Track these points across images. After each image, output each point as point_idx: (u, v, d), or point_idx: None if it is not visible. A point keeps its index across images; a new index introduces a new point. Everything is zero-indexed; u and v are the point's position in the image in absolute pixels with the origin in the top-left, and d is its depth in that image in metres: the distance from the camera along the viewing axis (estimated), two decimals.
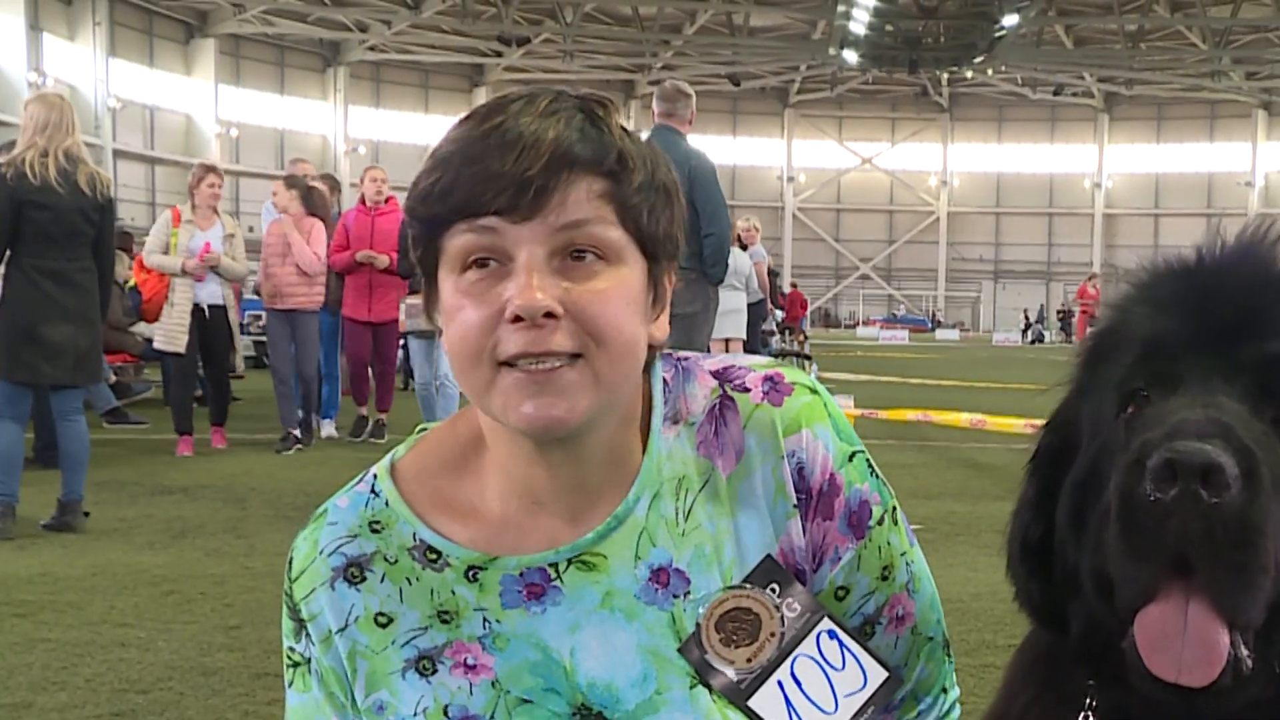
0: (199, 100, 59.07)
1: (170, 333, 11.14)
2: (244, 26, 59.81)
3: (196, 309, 11.10)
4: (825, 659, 1.55)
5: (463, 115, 1.48)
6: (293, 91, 65.67)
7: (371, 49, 65.06)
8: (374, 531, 1.57)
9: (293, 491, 8.95)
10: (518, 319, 1.39)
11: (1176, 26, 63.23)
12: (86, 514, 7.58)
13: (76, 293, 7.58)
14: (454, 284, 1.43)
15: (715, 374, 1.61)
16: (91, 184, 7.63)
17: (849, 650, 1.56)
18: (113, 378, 13.79)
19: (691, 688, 1.51)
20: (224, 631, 5.29)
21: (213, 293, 11.23)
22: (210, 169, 11.69)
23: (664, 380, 1.60)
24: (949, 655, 1.73)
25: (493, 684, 1.52)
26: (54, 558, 6.73)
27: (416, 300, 9.71)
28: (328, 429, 12.65)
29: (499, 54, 65.25)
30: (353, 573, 1.56)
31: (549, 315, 1.39)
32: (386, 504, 1.58)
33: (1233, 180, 78.24)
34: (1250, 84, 70.73)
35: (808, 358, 21.99)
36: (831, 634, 1.55)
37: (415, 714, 1.53)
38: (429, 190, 1.42)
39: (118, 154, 52.42)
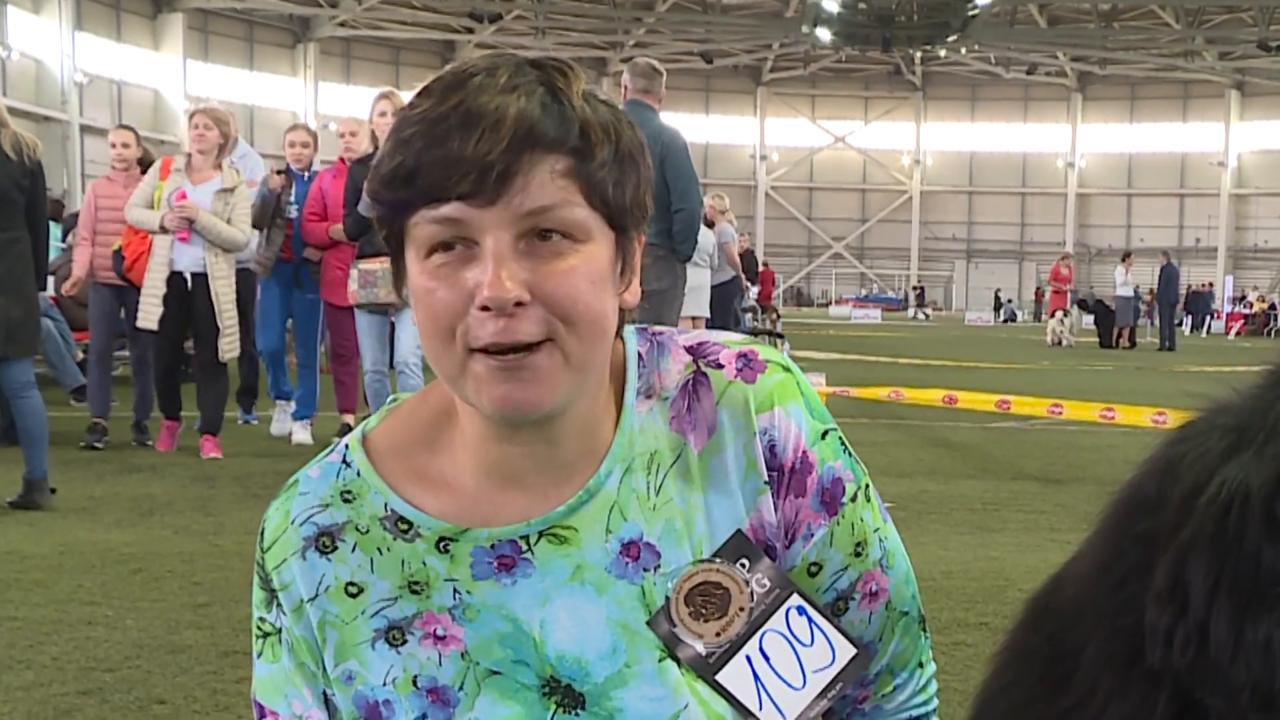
0: (167, 76, 58.60)
1: (144, 305, 9.47)
2: (212, 1, 59.42)
3: (174, 278, 9.42)
4: (794, 634, 1.55)
5: (424, 86, 1.44)
6: (262, 67, 65.28)
7: (342, 25, 64.73)
8: (345, 501, 1.56)
9: (261, 470, 8.92)
10: (487, 308, 1.37)
11: (1150, 6, 63.42)
12: (53, 491, 7.52)
13: (6, 263, 7.31)
14: (420, 266, 1.41)
15: (689, 349, 1.61)
16: (17, 148, 7.36)
17: (818, 626, 1.56)
18: (80, 355, 13.66)
19: (660, 661, 1.50)
20: (192, 609, 5.27)
21: (195, 258, 9.41)
22: (199, 110, 9.95)
23: (639, 354, 1.60)
24: (925, 631, 1.73)
25: (462, 655, 1.51)
26: (20, 536, 6.68)
27: (373, 266, 8.84)
28: (301, 434, 10.48)
29: (470, 30, 65.07)
30: (324, 542, 1.55)
31: (518, 304, 1.37)
32: (359, 474, 1.57)
33: (1205, 160, 78.59)
34: (1223, 64, 71.02)
35: (780, 336, 22.02)
36: (801, 610, 1.55)
37: (384, 684, 1.52)
38: (392, 174, 1.39)
39: (85, 129, 51.89)
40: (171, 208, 9.31)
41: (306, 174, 10.79)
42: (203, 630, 4.96)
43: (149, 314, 9.41)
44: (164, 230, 9.35)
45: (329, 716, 1.57)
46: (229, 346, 9.63)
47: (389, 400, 1.67)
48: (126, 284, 9.97)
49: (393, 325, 9.47)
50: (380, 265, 8.69)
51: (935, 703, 1.76)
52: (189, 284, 9.44)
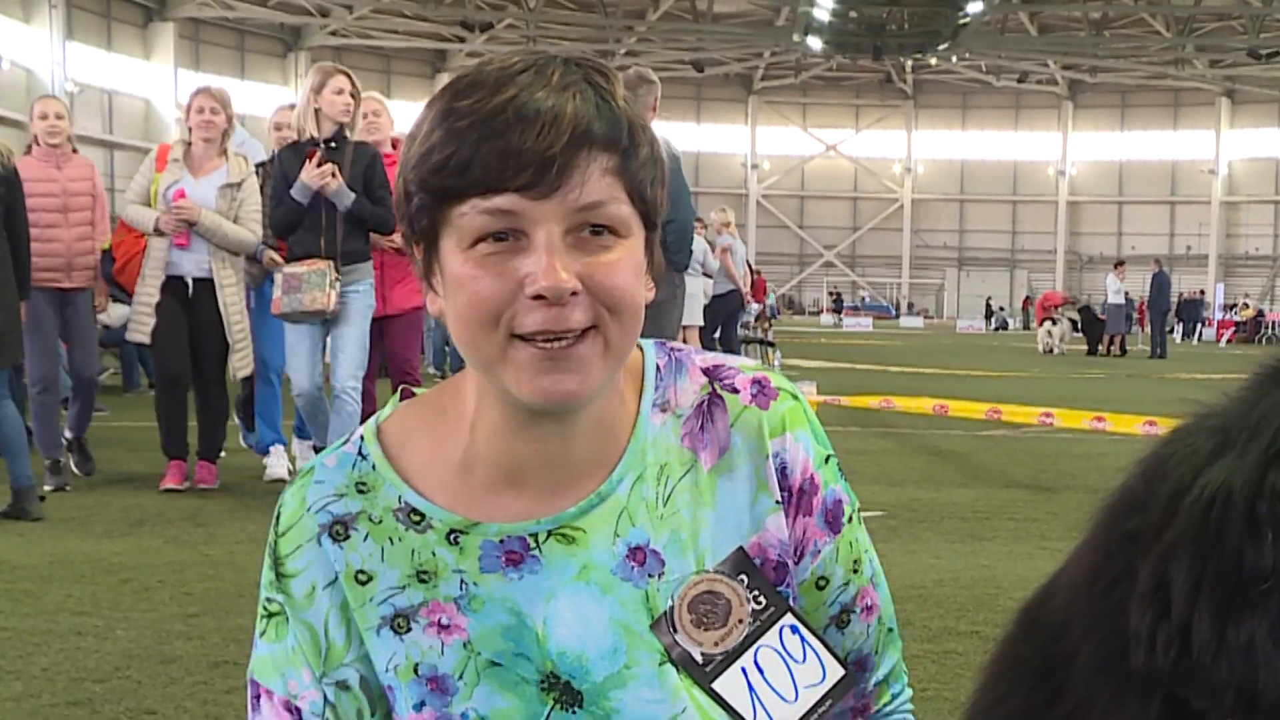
0: (158, 85, 58.44)
1: (136, 315, 8.45)
2: (203, 10, 59.34)
3: (172, 283, 8.35)
4: (787, 651, 1.60)
5: (465, 80, 1.47)
6: (253, 76, 65.13)
7: (333, 34, 64.65)
8: (360, 492, 1.59)
9: (253, 479, 8.89)
10: (539, 297, 1.41)
11: (1140, 14, 63.54)
12: (42, 498, 7.50)
13: None
14: (463, 256, 1.44)
15: (706, 371, 1.66)
16: None
17: (810, 646, 1.62)
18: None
19: (660, 665, 1.54)
20: (182, 620, 5.25)
21: (199, 262, 8.32)
22: (203, 90, 8.67)
23: (657, 367, 1.65)
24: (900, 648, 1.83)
25: (465, 645, 1.54)
26: (10, 546, 6.65)
27: (299, 270, 7.86)
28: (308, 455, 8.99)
29: (462, 39, 65.07)
30: (338, 530, 1.58)
31: (571, 294, 1.41)
32: (374, 467, 1.60)
33: (1196, 168, 78.79)
34: (1214, 72, 71.17)
35: (772, 344, 21.99)
36: (794, 629, 1.61)
37: (386, 670, 1.56)
38: (443, 164, 1.42)
39: (76, 139, 51.91)
40: (169, 207, 8.24)
41: None
42: (193, 641, 4.95)
43: (140, 325, 8.38)
44: (159, 232, 8.29)
45: (369, 697, 1.59)
46: (242, 363, 8.57)
47: (398, 394, 1.70)
48: (73, 289, 8.61)
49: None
50: (306, 269, 7.84)
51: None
52: (190, 289, 8.39)
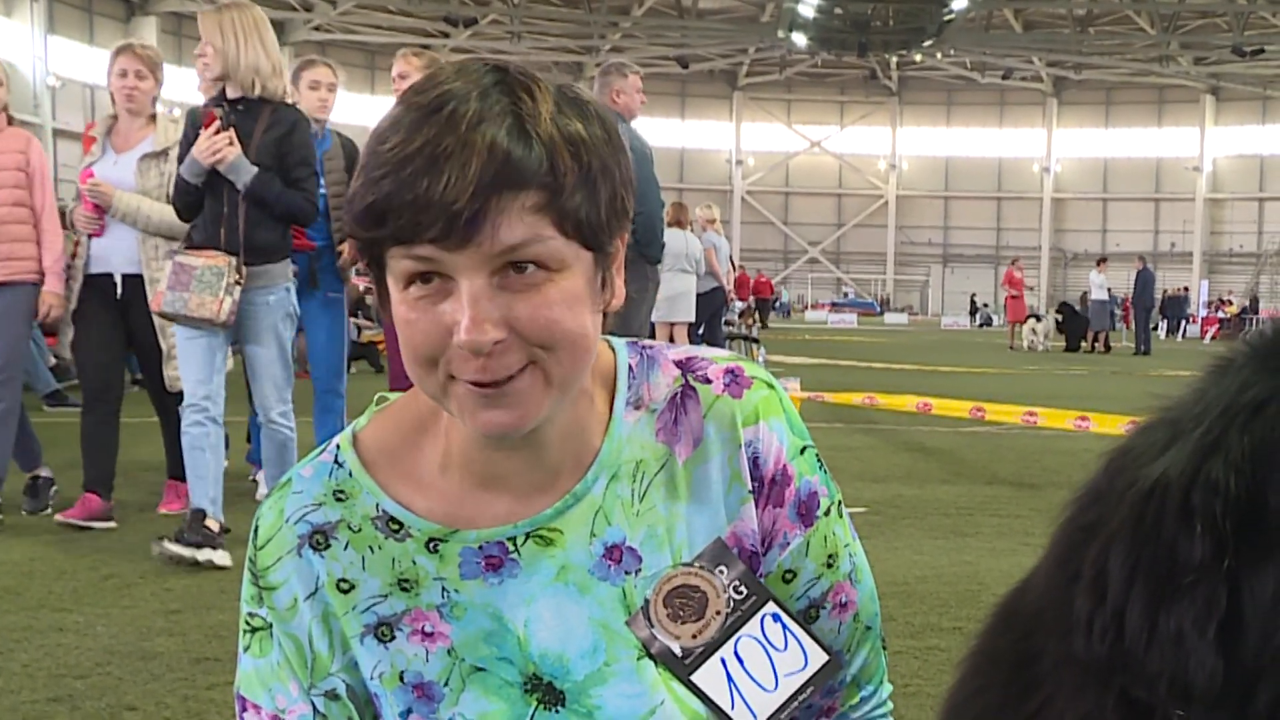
0: None
1: (64, 326, 7.36)
2: (186, 5, 59.04)
3: (97, 282, 7.06)
4: (768, 640, 1.60)
5: (396, 109, 1.42)
6: None
7: (317, 29, 64.46)
8: (338, 500, 1.59)
9: (235, 475, 8.85)
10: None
11: (1125, 11, 63.70)
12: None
13: None
14: (400, 296, 1.43)
15: (679, 364, 1.66)
16: None
17: (791, 633, 1.61)
18: (53, 360, 13.63)
19: (639, 660, 1.55)
20: (164, 616, 5.24)
21: (128, 255, 7.00)
22: (126, 49, 7.29)
23: (629, 366, 1.64)
24: (885, 648, 1.81)
25: (448, 651, 1.55)
26: None
27: (194, 261, 6.16)
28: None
29: (446, 35, 64.97)
30: (318, 539, 1.58)
31: (496, 342, 1.39)
32: (350, 475, 1.60)
33: (1181, 165, 78.99)
34: (1198, 69, 71.35)
35: (755, 340, 21.99)
36: (775, 617, 1.61)
37: (371, 678, 1.57)
38: (364, 214, 1.39)
39: (58, 133, 51.59)
40: (82, 195, 7.01)
41: (322, 131, 7.80)
42: (174, 637, 4.93)
43: (66, 335, 7.37)
44: (73, 227, 7.11)
45: (357, 705, 1.60)
46: (179, 373, 6.69)
47: (375, 400, 1.69)
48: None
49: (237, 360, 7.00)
50: (204, 262, 6.17)
51: None
52: (120, 289, 7.09)
